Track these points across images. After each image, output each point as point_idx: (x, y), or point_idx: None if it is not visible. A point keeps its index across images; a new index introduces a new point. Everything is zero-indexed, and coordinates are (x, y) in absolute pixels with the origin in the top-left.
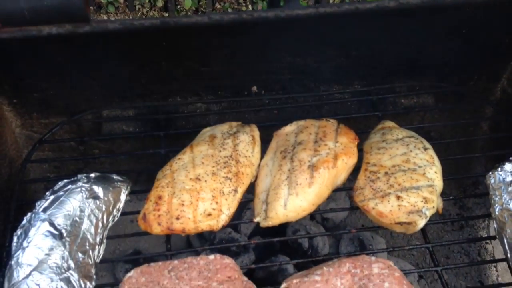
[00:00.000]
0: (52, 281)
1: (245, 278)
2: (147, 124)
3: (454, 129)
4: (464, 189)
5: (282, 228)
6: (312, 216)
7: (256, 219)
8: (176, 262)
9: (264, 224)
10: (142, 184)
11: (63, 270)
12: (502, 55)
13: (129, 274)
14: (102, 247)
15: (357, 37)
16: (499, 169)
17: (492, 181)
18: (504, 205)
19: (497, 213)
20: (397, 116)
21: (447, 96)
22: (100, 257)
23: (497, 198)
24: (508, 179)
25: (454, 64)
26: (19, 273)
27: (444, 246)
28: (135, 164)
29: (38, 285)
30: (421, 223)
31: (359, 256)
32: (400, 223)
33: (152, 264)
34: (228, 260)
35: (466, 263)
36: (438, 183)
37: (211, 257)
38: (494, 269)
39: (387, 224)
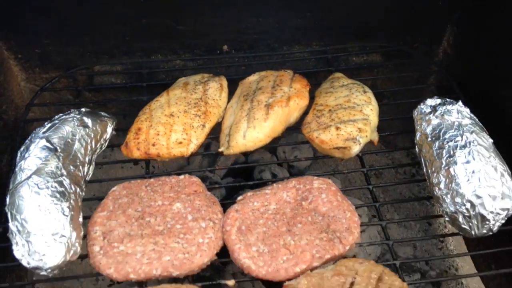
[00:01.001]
0: (48, 182)
1: (209, 193)
2: (132, 77)
3: (405, 90)
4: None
5: (249, 169)
6: (280, 164)
7: (221, 149)
8: (152, 180)
9: (226, 152)
10: (129, 125)
11: (57, 175)
12: (441, 19)
13: (113, 189)
14: (91, 168)
15: None
16: (421, 104)
17: (416, 114)
18: (422, 131)
19: (417, 139)
20: (349, 72)
21: (394, 56)
22: (90, 175)
23: (418, 127)
24: (427, 110)
25: (399, 27)
26: (21, 176)
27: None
28: (122, 111)
29: (37, 184)
30: (355, 148)
31: (304, 176)
32: (338, 148)
33: (132, 181)
34: (195, 178)
35: (395, 181)
36: (373, 118)
37: (181, 176)
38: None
39: (328, 150)
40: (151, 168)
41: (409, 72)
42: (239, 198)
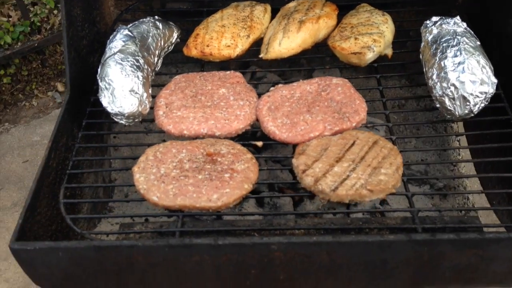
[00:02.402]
0: (128, 58)
1: (248, 84)
2: (195, 4)
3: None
4: None
5: None
6: None
7: (261, 55)
8: (205, 73)
9: (265, 57)
10: None
11: (135, 55)
12: None
13: (175, 77)
14: (159, 62)
15: None
16: (428, 20)
17: (422, 28)
18: (424, 40)
19: (421, 47)
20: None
21: None
22: (158, 67)
23: (423, 38)
24: (430, 24)
25: None
26: (111, 52)
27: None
28: (186, 28)
29: (120, 58)
30: (370, 54)
31: (326, 76)
32: (355, 53)
33: (190, 73)
34: (238, 73)
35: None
36: (388, 34)
37: (228, 72)
38: (457, 142)
39: (346, 56)
40: None
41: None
42: (271, 88)
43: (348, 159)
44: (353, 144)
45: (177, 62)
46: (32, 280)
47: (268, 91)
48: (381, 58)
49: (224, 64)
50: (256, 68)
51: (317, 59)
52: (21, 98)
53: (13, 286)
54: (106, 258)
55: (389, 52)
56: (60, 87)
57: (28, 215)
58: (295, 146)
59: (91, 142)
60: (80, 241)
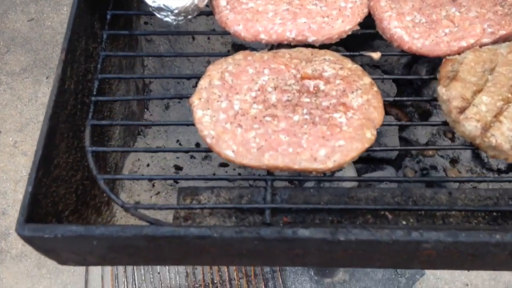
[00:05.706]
0: None
1: None
2: None
3: None
4: None
5: None
6: None
7: None
8: None
9: None
10: None
11: None
12: None
13: None
14: None
15: None
16: None
17: None
18: None
19: None
20: None
21: None
22: None
23: None
24: None
25: None
26: None
27: None
28: None
29: None
30: None
31: None
32: None
33: None
34: None
35: None
36: None
37: None
38: None
39: None
40: None
41: None
42: None
43: None
44: None
45: None
46: (57, 263)
47: None
48: None
49: None
50: None
51: None
52: None
53: (32, 159)
54: (164, 248)
55: None
56: None
57: (41, 175)
58: (436, 61)
59: (119, 45)
60: (124, 228)
